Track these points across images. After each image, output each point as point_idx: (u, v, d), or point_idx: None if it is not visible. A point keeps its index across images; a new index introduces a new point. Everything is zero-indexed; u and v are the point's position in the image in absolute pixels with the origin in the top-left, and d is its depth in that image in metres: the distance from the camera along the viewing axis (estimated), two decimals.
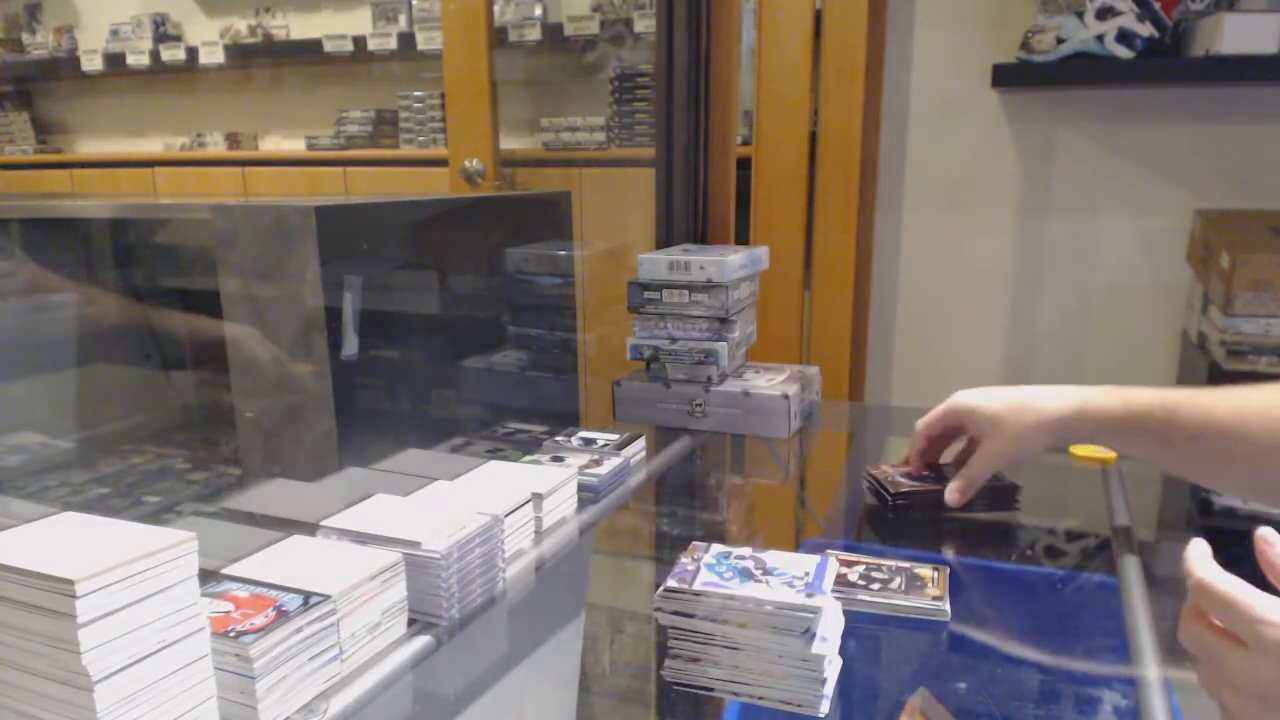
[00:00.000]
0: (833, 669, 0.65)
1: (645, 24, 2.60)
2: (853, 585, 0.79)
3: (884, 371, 2.22)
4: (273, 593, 0.61)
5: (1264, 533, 0.58)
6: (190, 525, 0.66)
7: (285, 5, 3.33)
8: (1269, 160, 1.84)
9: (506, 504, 0.78)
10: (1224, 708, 0.57)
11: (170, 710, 0.51)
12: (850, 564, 0.82)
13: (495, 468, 0.90)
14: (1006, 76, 1.86)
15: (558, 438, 1.06)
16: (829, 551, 0.72)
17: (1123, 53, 1.75)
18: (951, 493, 0.96)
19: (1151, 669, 0.70)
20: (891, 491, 0.99)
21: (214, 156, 3.46)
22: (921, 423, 1.02)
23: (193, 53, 3.35)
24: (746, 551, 0.70)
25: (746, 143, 2.15)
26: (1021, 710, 0.69)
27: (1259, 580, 0.57)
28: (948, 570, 0.82)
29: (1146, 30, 1.74)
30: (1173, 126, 1.90)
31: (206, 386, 1.48)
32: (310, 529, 0.72)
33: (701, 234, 1.51)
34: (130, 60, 3.44)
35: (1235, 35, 1.64)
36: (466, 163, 2.37)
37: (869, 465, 1.06)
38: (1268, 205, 1.82)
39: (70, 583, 0.46)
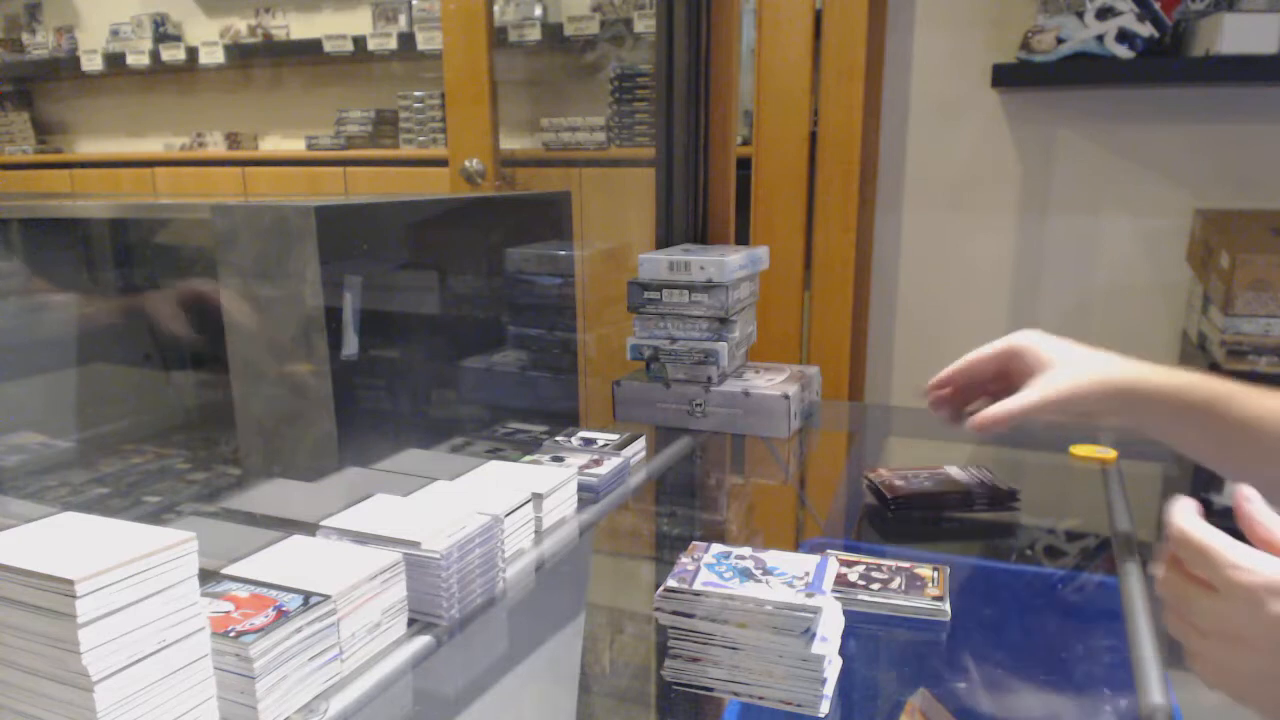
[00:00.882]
0: (833, 669, 0.65)
1: (645, 24, 2.60)
2: (853, 585, 0.79)
3: (884, 371, 2.22)
4: (273, 593, 0.61)
5: (1244, 489, 0.58)
6: (190, 525, 0.66)
7: (285, 5, 3.33)
8: (1269, 160, 1.84)
9: (506, 504, 0.78)
10: (1190, 652, 0.57)
11: (170, 710, 0.52)
12: (850, 564, 0.83)
13: (495, 468, 0.90)
14: (1006, 76, 1.86)
15: (558, 438, 1.06)
16: (829, 551, 0.72)
17: (1123, 53, 1.75)
18: (984, 416, 0.83)
19: (1151, 669, 0.70)
20: (889, 496, 1.00)
21: (214, 156, 3.46)
22: (972, 354, 0.91)
23: (193, 53, 3.35)
24: (746, 551, 0.70)
25: (746, 143, 2.15)
26: (1021, 710, 0.69)
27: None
28: (948, 570, 0.82)
29: (1146, 30, 1.74)
30: (1173, 126, 1.90)
31: (206, 386, 1.48)
32: (310, 529, 0.72)
33: (701, 234, 1.51)
34: (130, 60, 3.44)
35: (1235, 35, 1.64)
36: (466, 163, 2.37)
37: (868, 469, 1.06)
38: (1268, 205, 1.82)
39: (70, 583, 0.46)
